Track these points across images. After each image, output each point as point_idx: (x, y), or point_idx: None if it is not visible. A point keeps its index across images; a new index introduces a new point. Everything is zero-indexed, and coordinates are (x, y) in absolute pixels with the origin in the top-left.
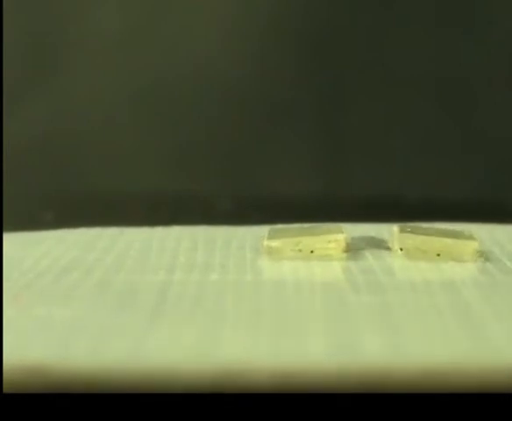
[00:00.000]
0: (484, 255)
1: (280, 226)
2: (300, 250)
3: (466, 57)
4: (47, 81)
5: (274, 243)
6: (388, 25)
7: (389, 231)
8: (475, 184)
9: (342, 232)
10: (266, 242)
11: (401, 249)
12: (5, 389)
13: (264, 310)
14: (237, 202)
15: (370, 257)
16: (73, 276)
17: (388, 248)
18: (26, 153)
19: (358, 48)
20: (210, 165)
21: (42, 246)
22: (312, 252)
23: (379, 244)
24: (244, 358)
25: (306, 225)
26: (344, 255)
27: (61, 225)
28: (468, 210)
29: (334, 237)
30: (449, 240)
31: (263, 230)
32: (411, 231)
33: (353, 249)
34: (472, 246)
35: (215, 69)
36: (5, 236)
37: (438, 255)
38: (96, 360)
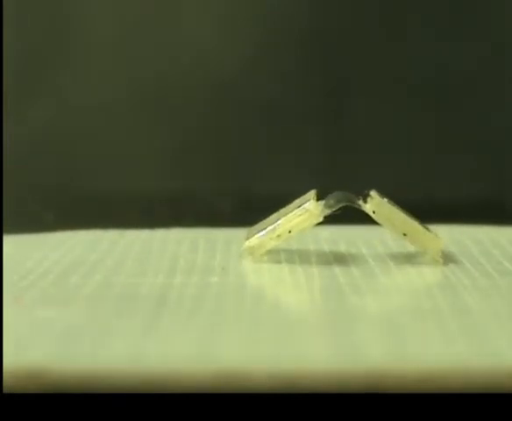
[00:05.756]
0: (447, 257)
1: (255, 225)
2: (279, 236)
3: (468, 58)
4: (47, 82)
5: (253, 242)
6: (389, 26)
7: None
8: (476, 184)
9: (312, 199)
10: (245, 243)
11: (374, 212)
12: (5, 391)
13: (264, 312)
14: (237, 202)
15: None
16: (73, 279)
17: (363, 211)
18: (27, 154)
19: (358, 48)
20: (210, 165)
21: (42, 249)
22: (290, 232)
23: (353, 208)
24: (244, 360)
25: (279, 211)
26: (321, 220)
27: (62, 227)
28: (468, 211)
29: (305, 208)
30: (418, 226)
31: None
32: (388, 202)
33: (327, 209)
34: (438, 243)
35: (215, 70)
36: (6, 238)
37: (404, 235)
38: (96, 362)
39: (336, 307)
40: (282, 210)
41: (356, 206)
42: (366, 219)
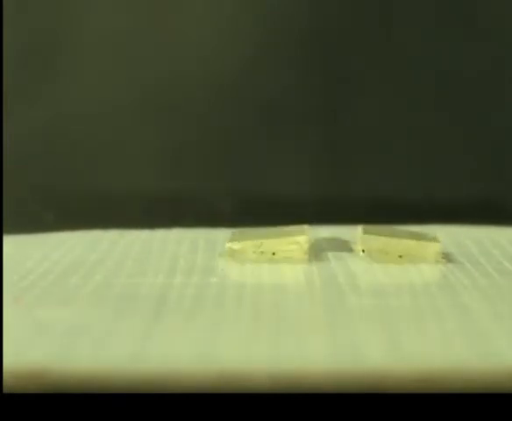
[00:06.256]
0: (447, 257)
1: (244, 229)
2: (262, 252)
3: (468, 57)
4: (48, 81)
5: (236, 245)
6: (388, 26)
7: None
8: (476, 184)
9: (304, 234)
10: (228, 244)
11: (364, 251)
12: (5, 391)
13: (263, 312)
14: (237, 202)
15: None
16: (73, 279)
17: (351, 250)
18: (27, 154)
19: (359, 48)
20: (210, 165)
21: (42, 249)
22: (274, 254)
23: (342, 245)
24: (244, 360)
25: (271, 228)
26: (306, 257)
27: (62, 227)
28: (468, 211)
29: (295, 239)
30: (411, 242)
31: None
32: (374, 233)
33: (316, 251)
34: (434, 247)
35: (215, 69)
36: (6, 238)
37: (400, 257)
38: (97, 362)
39: (336, 307)
40: (275, 229)
41: (348, 252)
42: (365, 219)
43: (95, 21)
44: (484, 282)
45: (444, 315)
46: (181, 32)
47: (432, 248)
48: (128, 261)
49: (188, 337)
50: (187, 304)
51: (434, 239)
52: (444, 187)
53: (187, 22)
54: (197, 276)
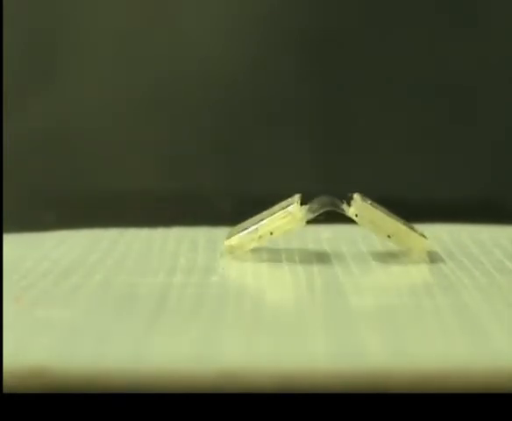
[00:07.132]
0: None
1: (238, 225)
2: (260, 236)
3: (468, 58)
4: (48, 82)
5: (233, 241)
6: (388, 27)
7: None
8: (476, 184)
9: (295, 203)
10: (225, 243)
11: (357, 215)
12: (5, 391)
13: (264, 311)
14: (237, 202)
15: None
16: (73, 278)
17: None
18: (27, 154)
19: (358, 49)
20: (210, 165)
21: (43, 248)
22: (272, 233)
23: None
24: (244, 360)
25: (263, 212)
26: (303, 223)
27: (62, 226)
28: (468, 211)
29: (287, 211)
30: (402, 226)
31: None
32: (371, 204)
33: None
34: (423, 243)
35: (215, 69)
36: (6, 237)
37: (389, 237)
38: (96, 362)
39: (336, 306)
40: (266, 212)
41: (339, 211)
42: None
43: (94, 21)
44: (484, 281)
45: (445, 314)
46: (181, 32)
47: (420, 243)
48: (128, 260)
49: (188, 337)
50: (187, 304)
51: (423, 235)
52: (444, 187)
53: (187, 22)
54: (198, 275)
